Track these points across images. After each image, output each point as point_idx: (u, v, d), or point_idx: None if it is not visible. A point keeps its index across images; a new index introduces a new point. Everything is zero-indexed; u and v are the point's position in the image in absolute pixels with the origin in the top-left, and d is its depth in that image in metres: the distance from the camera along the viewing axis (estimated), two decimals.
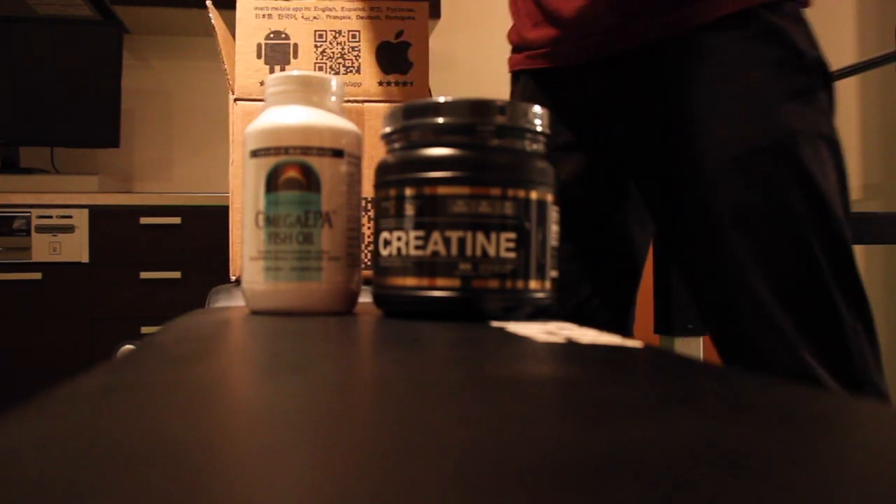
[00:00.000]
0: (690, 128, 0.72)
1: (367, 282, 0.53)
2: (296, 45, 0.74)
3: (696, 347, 1.36)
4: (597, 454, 0.15)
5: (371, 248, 0.65)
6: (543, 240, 0.46)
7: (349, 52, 0.74)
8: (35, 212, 1.94)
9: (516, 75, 0.89)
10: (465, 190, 0.44)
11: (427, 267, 0.45)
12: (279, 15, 0.74)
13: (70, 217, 1.96)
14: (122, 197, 2.02)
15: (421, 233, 0.45)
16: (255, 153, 0.49)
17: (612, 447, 0.15)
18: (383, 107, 0.74)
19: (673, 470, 0.14)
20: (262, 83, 0.72)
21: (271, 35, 0.74)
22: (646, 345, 0.34)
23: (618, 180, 0.84)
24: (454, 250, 0.44)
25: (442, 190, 0.44)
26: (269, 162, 0.49)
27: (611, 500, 0.12)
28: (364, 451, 0.15)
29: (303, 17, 0.74)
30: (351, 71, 0.74)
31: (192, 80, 2.50)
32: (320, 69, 0.74)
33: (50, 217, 1.95)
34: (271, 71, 0.73)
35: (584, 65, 0.79)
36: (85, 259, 1.96)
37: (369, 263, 0.68)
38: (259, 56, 0.73)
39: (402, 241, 0.46)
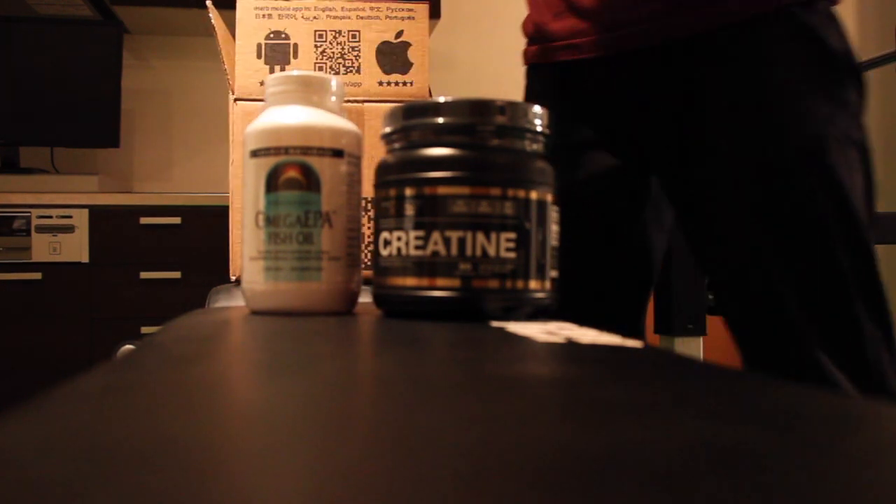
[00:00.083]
0: (719, 126, 0.71)
1: (367, 282, 0.53)
2: (296, 45, 0.74)
3: (696, 347, 1.37)
4: (597, 454, 0.15)
5: (371, 248, 0.65)
6: (543, 240, 0.46)
7: (349, 52, 0.74)
8: (35, 212, 1.94)
9: (533, 68, 0.85)
10: (465, 190, 0.44)
11: (427, 267, 0.45)
12: (279, 15, 0.74)
13: (70, 217, 1.96)
14: (122, 197, 2.02)
15: (421, 233, 0.45)
16: (255, 153, 0.49)
17: (612, 447, 0.15)
18: (383, 107, 0.74)
19: (673, 470, 0.14)
20: (262, 83, 0.72)
21: (271, 35, 0.74)
22: (646, 345, 0.34)
23: (639, 178, 0.81)
24: (454, 250, 0.44)
25: (442, 190, 0.44)
26: (269, 162, 0.49)
27: (611, 501, 0.12)
28: (364, 451, 0.15)
29: (303, 17, 0.74)
30: (351, 71, 0.74)
31: (192, 80, 2.50)
32: (320, 69, 0.74)
33: (50, 217, 1.95)
34: (271, 71, 0.73)
35: (609, 58, 0.76)
36: (85, 259, 1.96)
37: (369, 263, 0.68)
38: (259, 56, 0.73)
39: (402, 241, 0.46)
